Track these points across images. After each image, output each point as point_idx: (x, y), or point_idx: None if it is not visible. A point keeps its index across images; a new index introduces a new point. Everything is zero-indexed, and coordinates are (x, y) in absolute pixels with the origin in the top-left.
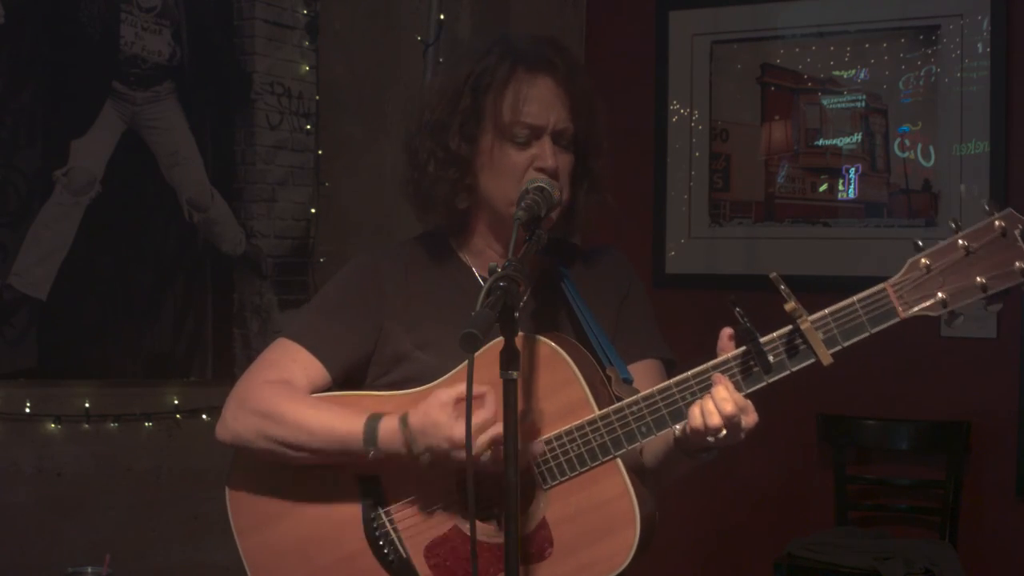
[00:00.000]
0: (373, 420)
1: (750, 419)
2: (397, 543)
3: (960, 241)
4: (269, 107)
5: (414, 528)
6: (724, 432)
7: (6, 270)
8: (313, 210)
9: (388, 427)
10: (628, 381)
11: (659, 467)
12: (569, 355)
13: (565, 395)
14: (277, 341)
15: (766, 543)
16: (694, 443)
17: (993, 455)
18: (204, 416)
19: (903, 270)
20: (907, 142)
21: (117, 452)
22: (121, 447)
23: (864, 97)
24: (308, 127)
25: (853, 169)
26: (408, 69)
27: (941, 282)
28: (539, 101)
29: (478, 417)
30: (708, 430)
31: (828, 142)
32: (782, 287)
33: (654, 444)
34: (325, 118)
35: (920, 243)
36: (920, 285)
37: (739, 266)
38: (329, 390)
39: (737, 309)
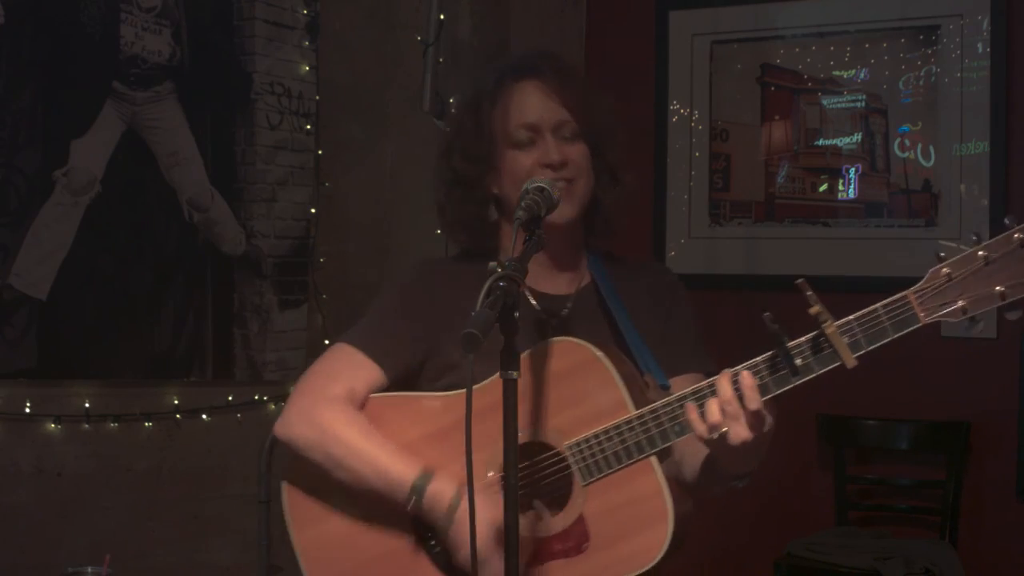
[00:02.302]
0: (424, 478)
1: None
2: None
3: (980, 252)
4: (269, 107)
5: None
6: (725, 430)
7: (6, 270)
8: (313, 210)
9: (437, 491)
10: (665, 388)
11: (695, 483)
12: (609, 360)
13: (603, 397)
14: (338, 345)
15: (766, 543)
16: (722, 462)
17: (993, 455)
18: (204, 416)
19: (925, 278)
20: (907, 142)
21: (117, 452)
22: (121, 447)
23: (864, 97)
24: (308, 127)
25: (853, 169)
26: (408, 69)
27: (961, 290)
28: (528, 103)
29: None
30: (709, 427)
31: (828, 142)
32: (808, 292)
33: (694, 459)
34: (325, 118)
35: (942, 253)
36: (941, 292)
37: (739, 266)
38: (386, 390)
39: (766, 314)
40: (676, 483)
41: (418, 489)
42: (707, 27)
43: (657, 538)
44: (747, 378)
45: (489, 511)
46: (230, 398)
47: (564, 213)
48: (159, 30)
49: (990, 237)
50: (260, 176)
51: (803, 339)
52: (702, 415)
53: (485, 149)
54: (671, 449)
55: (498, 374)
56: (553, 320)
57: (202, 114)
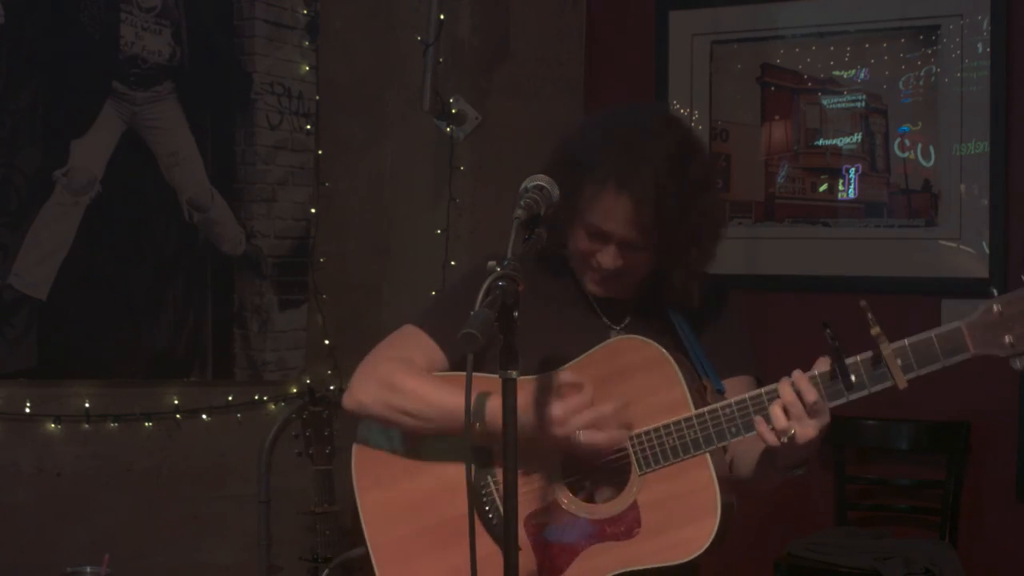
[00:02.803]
0: (482, 398)
1: (816, 424)
2: (500, 509)
3: None
4: (269, 107)
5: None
6: (793, 432)
7: (6, 270)
8: (313, 210)
9: (495, 404)
10: (721, 392)
11: (752, 477)
12: (674, 360)
13: (668, 394)
14: (405, 327)
15: (766, 543)
16: (781, 455)
17: (993, 455)
18: (204, 416)
19: (979, 312)
20: (907, 142)
21: (117, 452)
22: (121, 447)
23: (864, 97)
24: (308, 127)
25: (853, 169)
26: (408, 69)
27: (1010, 327)
28: (609, 213)
29: (576, 400)
30: (778, 433)
31: (828, 142)
32: (869, 315)
33: (748, 456)
34: (325, 118)
35: (995, 291)
36: (991, 328)
37: (739, 266)
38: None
39: (828, 331)
40: (726, 479)
41: (479, 409)
42: (707, 27)
43: (705, 530)
44: (805, 384)
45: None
46: (230, 398)
47: (603, 291)
48: (159, 30)
49: (990, 238)
50: (260, 176)
51: (859, 357)
52: (769, 424)
53: (570, 216)
54: (723, 448)
55: (573, 363)
56: (616, 326)
57: (202, 114)
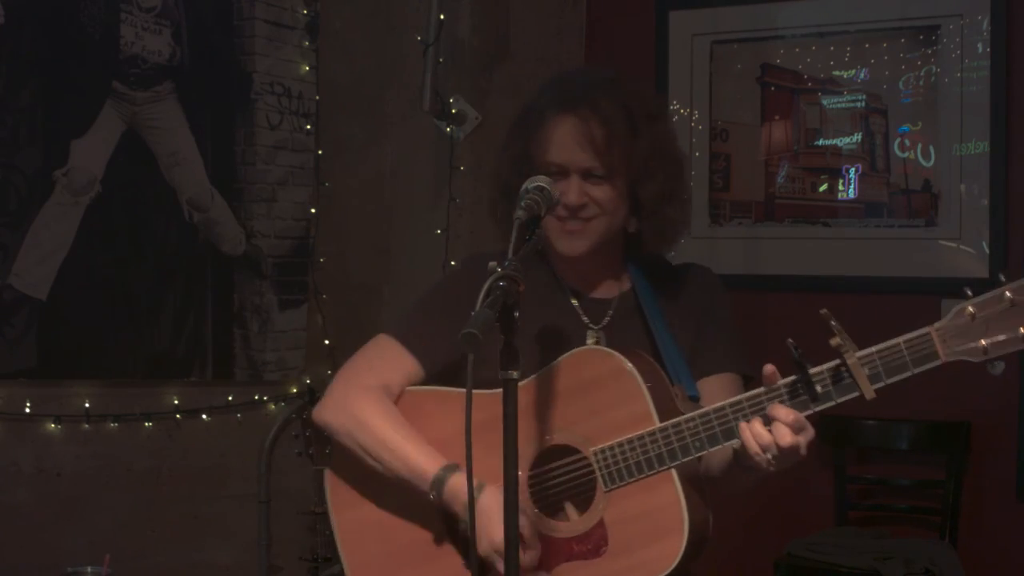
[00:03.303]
0: (446, 471)
1: (804, 439)
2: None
3: (1007, 293)
4: (269, 107)
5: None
6: (776, 453)
7: (6, 270)
8: (313, 210)
9: (457, 484)
10: (694, 399)
11: (722, 478)
12: (639, 370)
13: (631, 407)
14: (381, 336)
15: (766, 543)
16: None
17: (993, 455)
18: (204, 416)
19: (950, 316)
20: (907, 142)
21: (117, 452)
22: (121, 447)
23: (864, 97)
24: (308, 127)
25: (853, 169)
26: (408, 69)
27: (984, 330)
28: (561, 143)
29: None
30: (761, 448)
31: (828, 142)
32: (832, 323)
33: (718, 456)
34: (325, 118)
35: (969, 292)
36: (964, 332)
37: (739, 266)
38: (425, 383)
39: (790, 341)
40: (698, 484)
41: (439, 482)
42: (707, 27)
43: (672, 548)
44: (781, 410)
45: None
46: (230, 398)
47: (573, 248)
48: (159, 30)
49: (989, 238)
50: (260, 176)
51: (824, 367)
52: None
53: (527, 167)
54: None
55: (535, 376)
56: (595, 326)
57: (202, 114)
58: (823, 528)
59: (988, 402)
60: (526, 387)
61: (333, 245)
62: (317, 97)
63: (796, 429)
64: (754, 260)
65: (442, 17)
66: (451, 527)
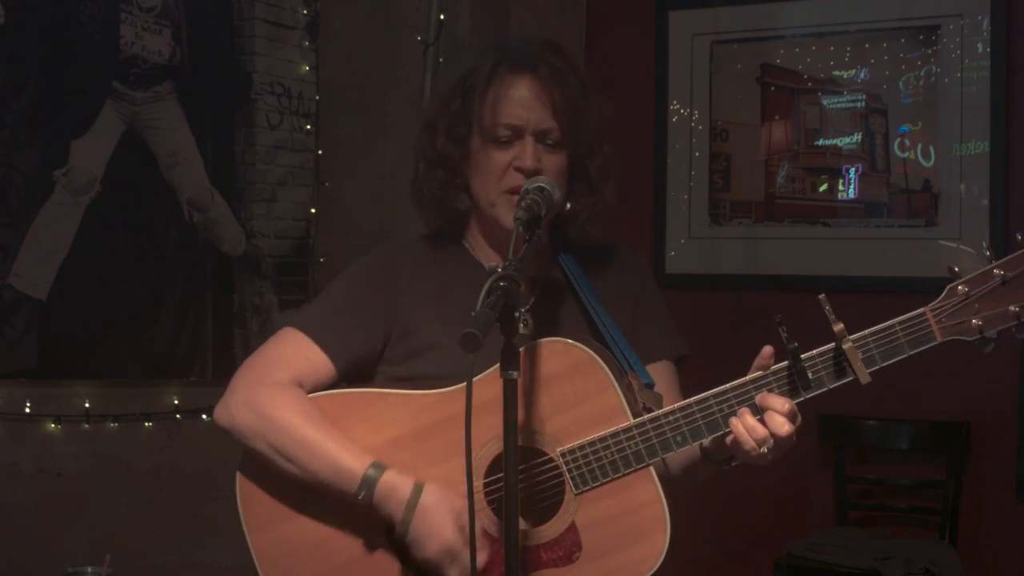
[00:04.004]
0: (376, 469)
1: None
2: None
3: (996, 270)
4: (269, 107)
5: None
6: (770, 446)
7: (6, 270)
8: (313, 210)
9: (391, 482)
10: (650, 386)
11: (682, 474)
12: (604, 361)
13: (600, 402)
14: (286, 330)
15: (766, 543)
16: (724, 453)
17: (993, 455)
18: (204, 416)
19: (942, 296)
20: (907, 142)
21: (117, 452)
22: (121, 447)
23: (864, 97)
24: (308, 127)
25: (853, 169)
26: (408, 69)
27: (977, 308)
28: (518, 101)
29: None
30: (757, 443)
31: (828, 142)
32: (827, 308)
33: (682, 453)
34: (325, 118)
35: (956, 268)
36: (957, 311)
37: (739, 266)
38: (335, 385)
39: (782, 326)
40: (664, 479)
41: (369, 481)
42: (707, 27)
43: (654, 548)
44: (775, 400)
45: (457, 504)
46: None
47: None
48: (159, 30)
49: (989, 238)
50: (260, 176)
51: (816, 352)
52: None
53: (464, 134)
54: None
55: (491, 370)
56: (520, 309)
57: (202, 114)
58: (823, 528)
59: (988, 402)
60: (482, 382)
61: (333, 245)
62: (317, 97)
63: (791, 418)
64: (754, 260)
65: (442, 17)
66: (387, 538)
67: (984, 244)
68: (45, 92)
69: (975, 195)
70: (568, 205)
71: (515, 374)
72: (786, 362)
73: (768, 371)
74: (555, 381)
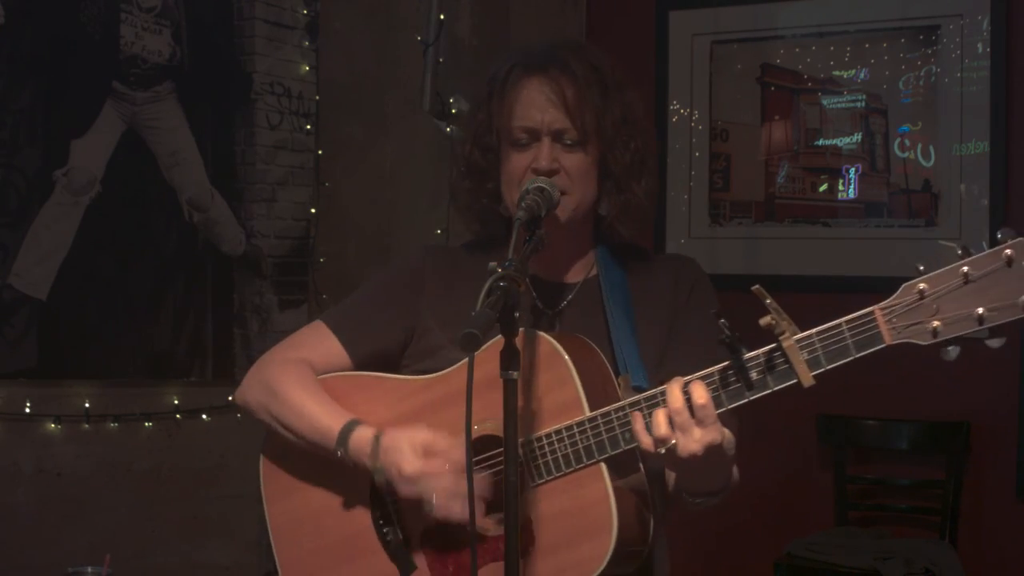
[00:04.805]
0: (350, 425)
1: (702, 437)
2: (397, 525)
3: (963, 268)
4: (269, 107)
5: (414, 513)
6: (673, 443)
7: (6, 270)
8: (313, 210)
9: (360, 436)
10: (639, 389)
11: (675, 497)
12: (570, 354)
13: (560, 394)
14: (314, 323)
15: (766, 543)
16: (680, 477)
17: (993, 455)
18: (204, 416)
19: (897, 293)
20: (907, 142)
21: (117, 452)
22: (121, 447)
23: (864, 97)
24: (308, 127)
25: (853, 169)
26: (408, 69)
27: (935, 310)
28: (530, 103)
29: (433, 463)
30: (655, 441)
31: (828, 142)
32: (768, 300)
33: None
34: (325, 118)
35: (921, 267)
36: (912, 311)
37: (739, 266)
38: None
39: (722, 321)
40: (635, 484)
41: (343, 437)
42: (707, 27)
43: (599, 549)
44: (699, 388)
45: (415, 435)
46: (230, 398)
47: (547, 222)
48: (159, 30)
49: (990, 238)
50: (260, 176)
51: (761, 351)
52: (648, 426)
53: (494, 142)
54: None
55: (460, 364)
56: (548, 311)
57: (202, 114)
58: (823, 528)
59: (988, 402)
60: (452, 374)
61: (333, 245)
62: (317, 97)
63: (699, 415)
64: (754, 260)
65: (442, 17)
66: (376, 524)
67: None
68: (45, 92)
69: (975, 195)
70: (602, 208)
71: (515, 374)
72: (727, 362)
73: (714, 369)
74: (524, 370)
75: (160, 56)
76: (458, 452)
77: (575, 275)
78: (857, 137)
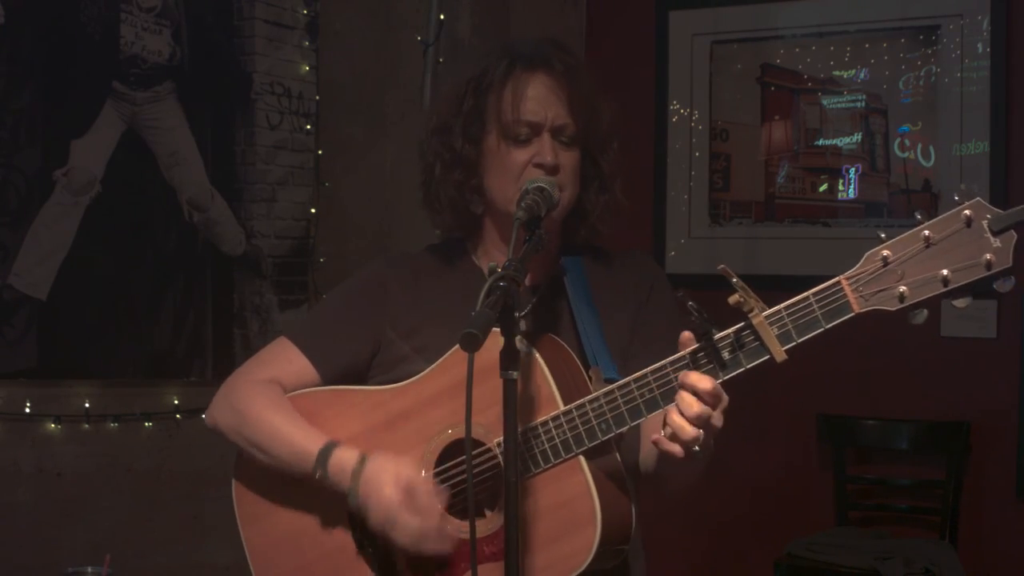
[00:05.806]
0: (329, 446)
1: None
2: (378, 539)
3: (924, 232)
4: (269, 107)
5: None
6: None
7: (6, 270)
8: (313, 210)
9: (341, 457)
10: (612, 381)
11: (659, 472)
12: (540, 352)
13: (532, 391)
14: (278, 339)
15: (766, 543)
16: (674, 480)
17: (993, 455)
18: (204, 416)
19: (861, 262)
20: (907, 142)
21: (117, 452)
22: (121, 447)
23: (864, 97)
24: (308, 127)
25: (853, 169)
26: (408, 69)
27: (900, 275)
28: (536, 98)
29: (416, 520)
30: (685, 441)
31: (828, 142)
32: (734, 279)
33: (649, 450)
34: (325, 118)
35: (883, 235)
36: (878, 278)
37: (739, 266)
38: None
39: (690, 303)
40: (614, 472)
41: (322, 459)
42: (707, 27)
43: (584, 542)
44: (697, 379)
45: (401, 469)
46: None
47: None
48: (159, 30)
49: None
50: (260, 176)
51: (731, 331)
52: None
53: (481, 134)
54: (636, 439)
55: (446, 356)
56: (517, 313)
57: (202, 114)
58: (823, 528)
59: (988, 402)
60: (414, 385)
61: (333, 245)
62: (317, 97)
63: (712, 398)
64: (754, 260)
65: (442, 17)
66: (359, 541)
67: (917, 214)
68: (45, 92)
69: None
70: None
71: (514, 374)
72: (698, 344)
73: (686, 352)
74: (492, 371)
75: (160, 56)
76: (431, 498)
77: (541, 276)
78: (857, 137)
